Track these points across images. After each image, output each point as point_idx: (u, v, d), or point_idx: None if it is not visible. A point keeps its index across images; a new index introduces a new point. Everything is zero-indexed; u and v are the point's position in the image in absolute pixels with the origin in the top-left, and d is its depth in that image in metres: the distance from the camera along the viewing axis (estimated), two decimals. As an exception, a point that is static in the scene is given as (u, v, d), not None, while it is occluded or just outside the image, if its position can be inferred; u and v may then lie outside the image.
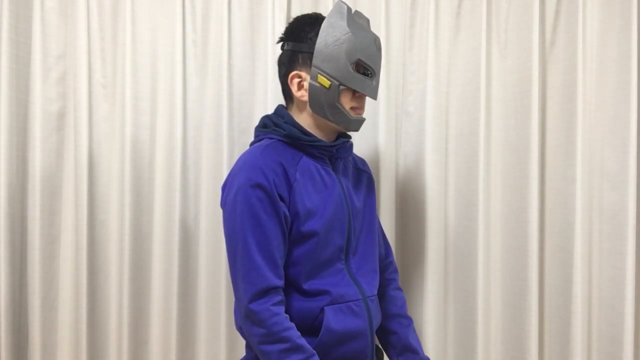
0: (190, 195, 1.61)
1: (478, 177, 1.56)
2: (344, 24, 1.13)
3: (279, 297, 1.07)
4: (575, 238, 1.52)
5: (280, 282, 1.08)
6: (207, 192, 1.60)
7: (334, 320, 1.11)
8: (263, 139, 1.20)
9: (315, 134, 1.19)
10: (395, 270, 1.39)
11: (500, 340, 1.60)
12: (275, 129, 1.19)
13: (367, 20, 1.23)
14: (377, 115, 1.58)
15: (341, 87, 1.13)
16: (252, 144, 1.23)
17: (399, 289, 1.37)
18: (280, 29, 1.56)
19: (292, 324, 1.07)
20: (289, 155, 1.15)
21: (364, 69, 1.16)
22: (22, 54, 1.58)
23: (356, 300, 1.16)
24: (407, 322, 1.32)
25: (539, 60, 1.54)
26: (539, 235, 1.55)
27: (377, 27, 1.56)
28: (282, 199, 1.09)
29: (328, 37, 1.13)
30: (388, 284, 1.35)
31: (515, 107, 1.57)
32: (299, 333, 1.07)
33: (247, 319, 1.06)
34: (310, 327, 1.12)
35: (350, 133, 1.26)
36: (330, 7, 1.57)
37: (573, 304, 1.52)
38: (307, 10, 1.58)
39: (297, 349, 1.05)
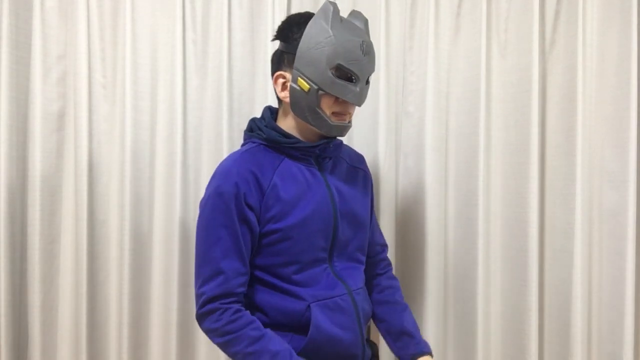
0: (190, 195, 1.61)
1: (478, 177, 1.56)
2: (328, 26, 1.10)
3: (235, 302, 1.09)
4: (575, 238, 1.52)
5: (236, 289, 1.10)
6: (207, 192, 1.60)
7: (321, 317, 1.12)
8: (247, 142, 1.22)
9: (298, 136, 1.18)
10: (389, 265, 1.38)
11: (500, 340, 1.60)
12: (258, 132, 1.20)
13: (364, 21, 1.19)
14: (377, 115, 1.58)
15: (320, 92, 1.11)
16: (241, 146, 1.25)
17: (392, 278, 1.37)
18: (280, 29, 1.57)
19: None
20: (269, 160, 1.16)
21: (346, 74, 1.11)
22: (22, 54, 1.58)
23: (342, 295, 1.16)
24: (401, 307, 1.30)
25: (539, 60, 1.54)
26: (539, 235, 1.55)
27: (377, 27, 1.56)
28: (251, 208, 1.10)
29: (311, 40, 1.10)
30: (379, 276, 1.35)
31: (515, 107, 1.57)
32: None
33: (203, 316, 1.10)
34: (297, 325, 1.12)
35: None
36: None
37: (573, 304, 1.52)
38: (307, 10, 1.58)
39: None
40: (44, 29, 1.58)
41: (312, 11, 1.26)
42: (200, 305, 1.10)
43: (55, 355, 1.61)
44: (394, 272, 1.40)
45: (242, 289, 1.11)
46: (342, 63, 1.09)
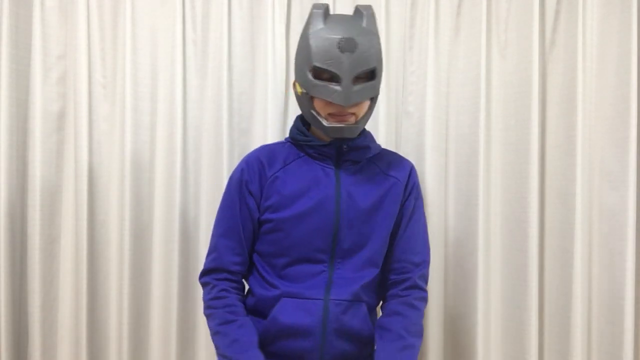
0: (190, 195, 1.61)
1: (478, 177, 1.56)
2: (308, 30, 1.13)
3: (224, 280, 1.20)
4: (575, 238, 1.52)
5: (229, 267, 1.20)
6: (207, 192, 1.60)
7: (283, 311, 1.14)
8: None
9: (319, 136, 1.22)
10: (414, 289, 1.22)
11: (500, 340, 1.60)
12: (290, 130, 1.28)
13: (367, 16, 1.14)
14: (377, 115, 1.58)
15: (308, 94, 1.14)
16: None
17: (410, 305, 1.19)
18: (281, 29, 1.57)
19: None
20: (285, 155, 1.22)
21: (327, 74, 1.11)
22: (22, 54, 1.58)
23: (316, 299, 1.14)
24: (392, 337, 1.14)
25: (539, 60, 1.54)
26: (539, 235, 1.55)
27: (377, 27, 1.56)
28: (251, 194, 1.20)
29: (298, 46, 1.18)
30: (395, 298, 1.21)
31: (515, 107, 1.57)
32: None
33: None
34: (266, 313, 1.16)
35: (362, 135, 1.23)
36: (331, 7, 1.57)
37: (573, 304, 1.52)
38: (307, 10, 1.58)
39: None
40: (44, 29, 1.58)
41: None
42: (199, 276, 1.24)
43: (55, 355, 1.62)
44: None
45: (236, 268, 1.20)
46: (317, 64, 1.10)
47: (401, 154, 1.61)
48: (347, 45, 1.09)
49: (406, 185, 1.24)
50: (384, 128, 1.59)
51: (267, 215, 1.18)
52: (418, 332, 1.18)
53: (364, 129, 1.25)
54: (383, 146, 1.58)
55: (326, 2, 1.58)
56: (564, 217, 1.55)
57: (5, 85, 1.54)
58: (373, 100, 1.18)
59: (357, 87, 1.11)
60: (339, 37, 1.09)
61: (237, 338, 1.12)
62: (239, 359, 1.10)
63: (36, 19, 1.56)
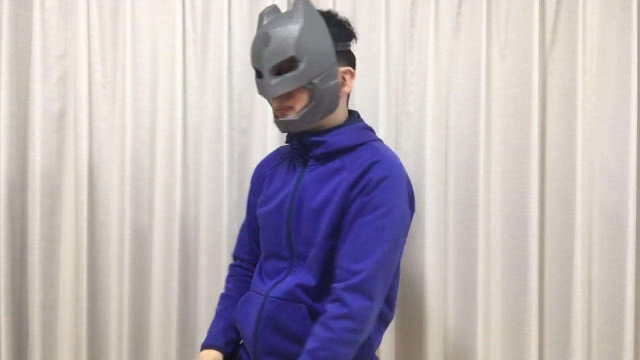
0: (190, 195, 1.61)
1: (478, 177, 1.55)
2: None
3: (237, 267, 1.34)
4: (575, 238, 1.52)
5: (241, 255, 1.34)
6: (207, 192, 1.60)
7: (242, 303, 1.21)
8: None
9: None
10: (335, 302, 1.04)
11: (500, 340, 1.60)
12: None
13: (300, 7, 1.09)
14: (377, 115, 1.58)
15: None
16: None
17: (323, 325, 1.03)
18: (280, 29, 1.57)
19: (226, 296, 1.30)
20: (282, 155, 1.28)
21: (257, 71, 1.15)
22: (22, 54, 1.58)
23: (260, 294, 1.16)
24: None
25: (539, 60, 1.54)
26: (539, 235, 1.55)
27: (377, 27, 1.56)
28: (253, 193, 1.32)
29: None
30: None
31: (515, 107, 1.57)
32: (224, 306, 1.28)
33: None
34: None
35: (330, 131, 1.16)
36: (331, 7, 1.57)
37: (573, 304, 1.52)
38: (307, 10, 1.58)
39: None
40: (44, 29, 1.58)
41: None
42: None
43: (55, 355, 1.62)
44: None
45: (246, 257, 1.33)
46: (252, 63, 1.17)
47: (401, 153, 1.62)
48: (261, 40, 1.11)
49: (356, 182, 1.08)
50: (384, 128, 1.59)
51: (257, 211, 1.26)
52: (329, 358, 1.00)
53: (351, 123, 1.19)
54: (383, 146, 1.59)
55: (326, 2, 1.58)
56: (564, 217, 1.55)
57: (5, 85, 1.54)
58: (312, 90, 1.09)
59: (277, 79, 1.09)
60: (261, 31, 1.13)
61: (214, 320, 1.26)
62: (206, 337, 1.23)
63: (36, 19, 1.56)
